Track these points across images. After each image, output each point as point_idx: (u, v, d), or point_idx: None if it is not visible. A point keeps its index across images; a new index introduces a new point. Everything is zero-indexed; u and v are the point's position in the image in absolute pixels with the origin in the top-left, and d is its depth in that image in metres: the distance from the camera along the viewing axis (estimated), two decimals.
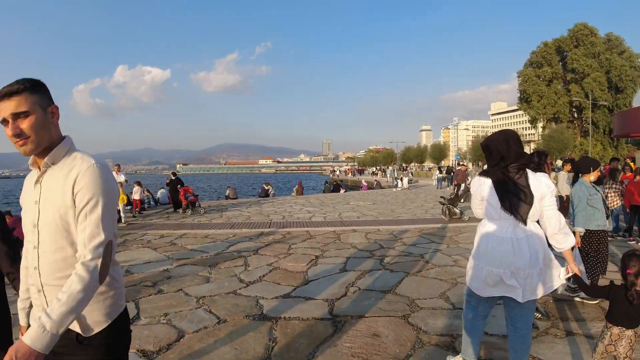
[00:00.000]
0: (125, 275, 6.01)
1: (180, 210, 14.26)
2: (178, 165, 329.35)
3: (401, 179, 27.01)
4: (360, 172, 73.24)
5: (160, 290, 5.27)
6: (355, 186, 36.46)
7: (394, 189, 26.53)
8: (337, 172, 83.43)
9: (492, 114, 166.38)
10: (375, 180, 33.66)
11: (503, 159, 2.66)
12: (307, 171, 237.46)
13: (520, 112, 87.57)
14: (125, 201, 11.65)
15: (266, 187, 22.15)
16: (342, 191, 25.25)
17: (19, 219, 8.58)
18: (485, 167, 3.75)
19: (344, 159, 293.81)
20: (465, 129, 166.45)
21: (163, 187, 19.24)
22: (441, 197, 13.28)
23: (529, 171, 2.65)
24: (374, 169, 77.23)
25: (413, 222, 11.49)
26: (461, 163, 32.97)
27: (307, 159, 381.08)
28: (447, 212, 11.93)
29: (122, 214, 11.51)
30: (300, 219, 12.24)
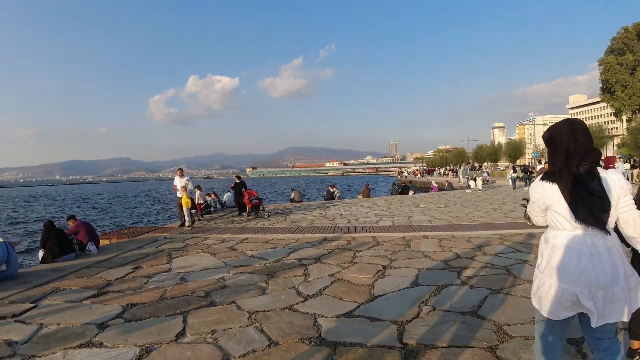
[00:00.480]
0: (179, 284, 5.71)
1: (245, 214, 14.12)
2: (247, 169, 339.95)
3: (474, 179, 25.43)
4: (430, 172, 70.95)
5: (212, 302, 4.86)
6: (424, 187, 35.05)
7: (467, 190, 25.02)
8: (405, 174, 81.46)
9: (571, 108, 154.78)
10: (447, 181, 32.08)
11: (570, 154, 2.18)
12: (373, 173, 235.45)
13: (603, 104, 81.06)
14: (190, 205, 11.60)
15: (331, 190, 21.67)
16: (410, 193, 24.19)
17: (83, 223, 8.67)
18: (540, 166, 2.90)
19: (411, 159, 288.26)
20: (543, 124, 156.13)
21: (229, 191, 19.37)
22: (523, 198, 12.01)
23: (599, 170, 2.19)
24: (444, 169, 74.52)
25: (492, 227, 10.42)
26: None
27: (374, 161, 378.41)
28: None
29: (186, 218, 11.48)
30: (367, 223, 11.57)
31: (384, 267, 6.33)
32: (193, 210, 13.06)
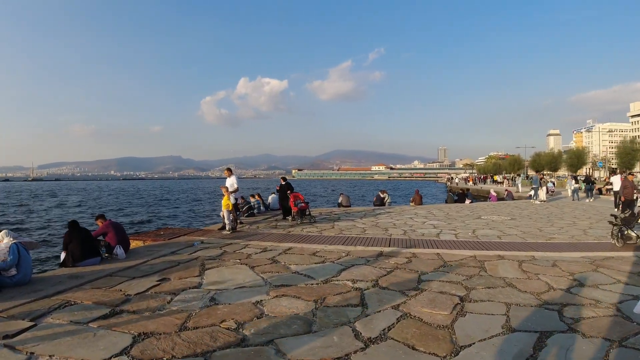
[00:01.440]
0: (208, 307, 4.66)
1: (289, 218, 13.08)
2: (293, 171, 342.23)
3: (541, 189, 23.26)
4: (484, 180, 67.68)
5: (244, 339, 3.75)
6: (481, 196, 32.92)
7: (534, 201, 22.90)
8: (457, 180, 78.32)
9: (632, 116, 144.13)
10: (506, 190, 29.80)
11: None
12: (421, 178, 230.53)
13: None
14: (231, 207, 10.67)
15: (382, 195, 20.30)
16: (467, 201, 22.39)
17: (112, 224, 7.85)
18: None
19: (461, 165, 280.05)
20: (608, 132, 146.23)
21: (274, 192, 18.46)
22: (611, 214, 10.24)
23: None
24: (499, 176, 70.84)
25: (575, 247, 8.80)
26: (629, 172, 27.62)
27: (421, 166, 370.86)
28: (620, 236, 9.03)
29: (226, 221, 10.55)
30: (426, 236, 10.20)
31: (462, 300, 5.01)
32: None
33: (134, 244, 9.60)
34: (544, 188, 23.88)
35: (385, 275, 6.18)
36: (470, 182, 65.28)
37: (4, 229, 5.91)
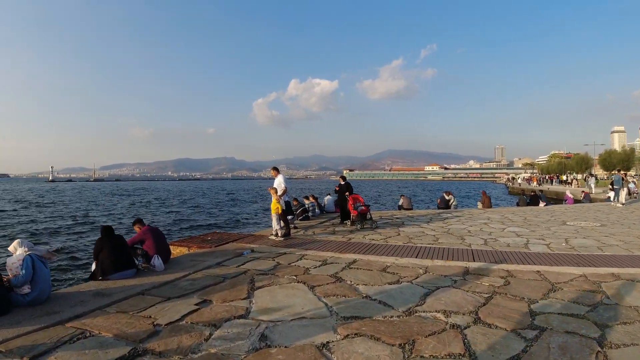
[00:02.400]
0: (257, 350, 3.44)
1: (348, 223, 11.78)
2: (344, 171, 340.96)
3: (622, 190, 20.60)
4: (550, 180, 63.26)
5: None
6: (549, 198, 30.10)
7: (615, 204, 20.33)
8: (519, 180, 73.87)
9: None
10: (583, 191, 27.00)
11: None
12: (477, 179, 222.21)
13: None
14: (280, 211, 9.53)
15: (447, 197, 18.52)
16: (541, 204, 20.11)
17: (151, 230, 6.83)
18: None
19: (520, 165, 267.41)
20: None
21: (329, 194, 17.22)
22: None
23: None
24: (565, 176, 66.02)
25: None
26: None
27: (477, 166, 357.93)
28: None
29: (275, 226, 9.41)
30: (512, 247, 8.57)
31: (600, 344, 3.52)
32: (290, 217, 11.02)
33: (177, 250, 8.66)
34: (625, 189, 21.16)
35: (484, 304, 4.72)
36: (534, 183, 61.28)
37: (18, 238, 5.00)
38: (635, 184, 28.37)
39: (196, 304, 4.63)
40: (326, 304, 4.65)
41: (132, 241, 6.63)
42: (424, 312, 4.44)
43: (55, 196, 58.73)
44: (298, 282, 5.58)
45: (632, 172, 69.43)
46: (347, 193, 12.13)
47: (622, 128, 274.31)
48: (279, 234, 9.28)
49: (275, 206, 9.53)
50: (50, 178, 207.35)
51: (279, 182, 10.31)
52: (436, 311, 4.46)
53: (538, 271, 6.41)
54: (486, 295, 5.09)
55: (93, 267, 5.94)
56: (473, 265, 6.80)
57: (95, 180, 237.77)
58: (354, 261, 6.94)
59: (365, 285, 5.47)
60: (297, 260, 6.98)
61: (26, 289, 4.55)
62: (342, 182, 12.49)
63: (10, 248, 4.86)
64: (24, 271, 4.52)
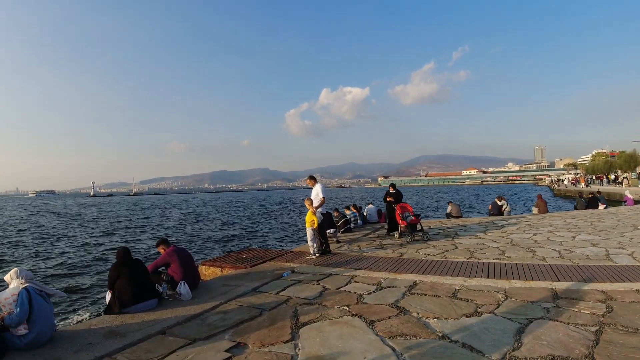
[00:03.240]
0: None
1: (396, 234, 10.63)
2: (379, 179, 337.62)
3: None
4: (600, 180, 59.58)
5: None
6: (609, 200, 27.79)
7: None
8: (566, 182, 70.11)
9: None
10: None
11: None
12: (518, 181, 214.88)
13: None
14: (316, 225, 8.49)
15: (499, 203, 16.98)
16: (601, 207, 18.30)
17: (177, 252, 5.90)
18: None
19: (562, 166, 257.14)
20: None
21: (371, 202, 16.08)
22: None
23: None
24: (612, 176, 62.05)
25: None
26: None
27: (516, 168, 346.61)
28: None
29: (309, 243, 8.44)
30: (593, 260, 7.22)
31: None
32: (331, 231, 9.91)
33: (210, 271, 7.77)
34: None
35: (595, 342, 3.59)
36: (582, 184, 57.97)
37: (15, 267, 4.15)
38: None
39: (227, 350, 3.64)
40: (394, 350, 3.55)
41: (155, 265, 5.76)
42: (525, 359, 3.29)
43: (94, 209, 59.76)
44: (352, 315, 4.51)
45: None
46: (389, 199, 10.99)
47: None
48: (313, 252, 8.31)
49: (310, 219, 8.49)
50: (92, 193, 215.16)
51: (316, 192, 9.19)
52: (541, 357, 3.30)
53: (638, 290, 5.16)
54: (593, 329, 3.94)
55: (107, 297, 5.06)
56: (559, 285, 5.56)
57: (135, 194, 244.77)
58: (415, 284, 5.80)
59: (437, 318, 4.34)
60: (347, 284, 5.91)
61: (22, 330, 3.71)
62: (393, 191, 11.28)
63: (6, 278, 4.04)
64: (18, 309, 3.67)
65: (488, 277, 6.08)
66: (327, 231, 9.18)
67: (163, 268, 5.85)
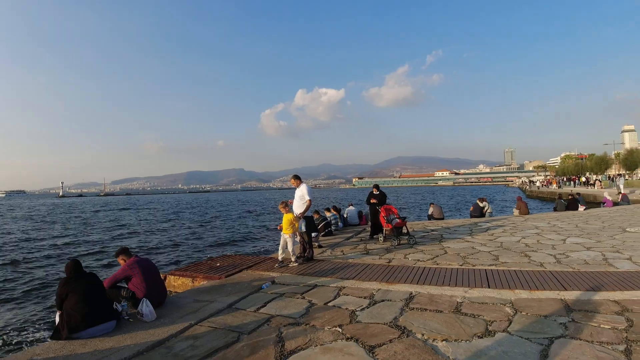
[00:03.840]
0: None
1: (380, 238, 10.04)
2: (354, 179, 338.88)
3: None
4: (573, 181, 60.84)
5: None
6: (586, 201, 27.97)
7: None
8: (538, 183, 71.35)
9: None
10: (620, 193, 24.96)
11: None
12: (489, 183, 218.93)
13: None
14: (293, 230, 7.70)
15: (481, 204, 16.63)
16: (581, 208, 18.21)
17: (139, 263, 5.07)
18: None
19: (531, 168, 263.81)
20: None
21: (352, 204, 15.49)
22: None
23: None
24: (583, 178, 63.48)
25: None
26: None
27: (487, 170, 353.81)
28: None
29: (289, 251, 7.64)
30: (592, 264, 6.85)
31: None
32: (315, 235, 9.18)
33: (179, 282, 7.01)
34: None
35: None
36: (554, 185, 59.06)
37: None
38: None
39: None
40: None
41: (113, 279, 4.97)
42: None
43: (58, 211, 56.93)
44: (347, 338, 3.84)
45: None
46: (373, 201, 10.40)
47: (632, 127, 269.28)
48: (294, 259, 7.62)
49: (288, 223, 7.69)
50: (61, 193, 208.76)
51: (301, 194, 8.25)
52: None
53: None
54: (621, 348, 3.51)
55: (56, 319, 4.27)
56: (567, 295, 5.07)
57: (106, 194, 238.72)
58: (411, 296, 5.19)
59: (446, 340, 3.73)
60: (335, 297, 5.24)
61: None
62: (376, 192, 10.65)
63: None
64: None
65: (489, 287, 5.53)
66: (311, 235, 8.44)
67: (123, 282, 5.06)
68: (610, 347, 3.49)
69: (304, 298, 5.25)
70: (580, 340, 3.67)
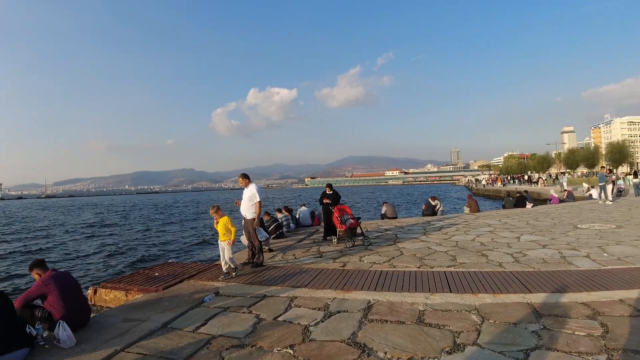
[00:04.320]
0: None
1: (334, 240, 9.60)
2: (307, 179, 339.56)
3: (608, 187, 19.45)
4: (518, 180, 63.55)
5: None
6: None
7: (602, 201, 19.16)
8: (484, 182, 73.98)
9: None
10: (566, 190, 25.94)
11: None
12: (437, 182, 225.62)
13: None
14: (233, 237, 6.87)
15: (433, 203, 16.57)
16: (529, 205, 18.64)
17: (55, 278, 4.26)
18: None
19: (476, 167, 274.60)
20: (636, 124, 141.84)
21: (304, 204, 14.98)
22: None
23: None
24: (526, 176, 66.40)
25: None
26: None
27: (435, 169, 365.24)
28: None
29: (226, 260, 6.74)
30: (551, 263, 6.74)
31: None
32: (263, 239, 8.46)
33: (111, 296, 6.24)
34: (610, 185, 20.03)
35: None
36: (499, 184, 61.31)
37: None
38: (623, 181, 27.74)
39: None
40: None
41: (25, 298, 4.18)
42: None
43: None
44: None
45: (595, 169, 70.87)
46: (326, 201, 9.94)
47: (571, 128, 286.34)
48: (226, 270, 6.76)
49: (224, 228, 6.84)
50: (0, 195, 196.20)
51: (250, 194, 7.52)
52: None
53: (621, 300, 4.66)
54: (602, 358, 3.18)
55: None
56: (533, 299, 4.82)
57: (47, 196, 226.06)
58: (370, 305, 4.74)
59: (412, 359, 3.30)
60: (286, 310, 4.69)
61: None
62: (329, 192, 10.16)
63: None
64: None
65: (451, 292, 5.19)
66: (259, 238, 7.81)
67: (38, 301, 4.29)
68: (591, 359, 3.19)
69: (251, 312, 4.67)
70: (558, 351, 3.36)
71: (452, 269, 6.55)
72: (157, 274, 7.01)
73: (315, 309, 4.70)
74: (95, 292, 6.65)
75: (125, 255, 16.75)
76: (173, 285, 6.12)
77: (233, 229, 6.87)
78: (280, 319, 4.40)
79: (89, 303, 6.66)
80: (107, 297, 6.39)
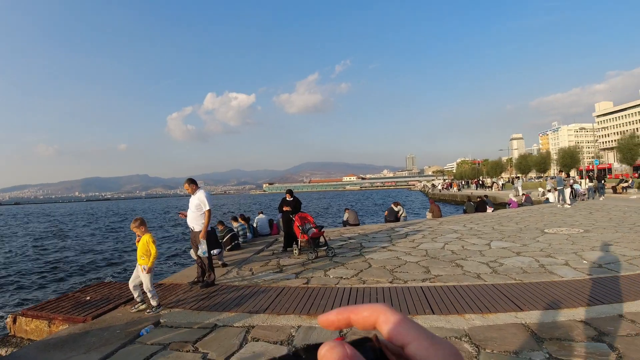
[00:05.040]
0: None
1: (295, 250, 8.79)
2: (264, 185, 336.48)
3: (566, 191, 19.69)
4: (475, 184, 65.08)
5: None
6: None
7: (561, 205, 19.37)
8: (439, 187, 75.22)
9: (598, 115, 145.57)
10: (524, 194, 26.32)
11: None
12: (393, 187, 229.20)
13: (632, 110, 75.81)
14: (151, 263, 5.23)
15: (395, 208, 16.07)
16: (489, 210, 18.55)
17: None
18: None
19: (430, 172, 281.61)
20: (582, 130, 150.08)
21: (262, 212, 14.07)
22: None
23: None
24: (479, 180, 68.05)
25: None
26: None
27: (391, 175, 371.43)
28: None
29: (144, 286, 5.26)
30: (529, 272, 6.37)
31: None
32: (216, 252, 7.41)
33: (32, 327, 5.18)
34: (568, 189, 20.34)
35: None
36: (455, 188, 62.39)
37: None
38: (580, 185, 28.45)
39: None
40: None
41: None
42: None
43: None
44: None
45: (547, 174, 73.56)
46: (286, 208, 9.14)
47: (520, 135, 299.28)
48: (138, 306, 5.34)
49: (143, 249, 5.27)
50: None
51: (198, 202, 6.57)
52: None
53: (620, 315, 4.13)
54: None
55: None
56: (526, 318, 4.26)
57: None
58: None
59: None
60: (241, 346, 3.83)
61: None
62: (290, 198, 9.32)
63: None
64: None
65: (434, 313, 4.52)
66: (212, 252, 6.86)
67: None
68: None
69: (197, 350, 3.77)
70: None
71: (427, 283, 5.91)
72: (88, 297, 5.94)
73: (276, 342, 3.87)
74: (14, 320, 5.54)
75: (59, 272, 14.08)
76: (104, 313, 5.11)
77: (153, 252, 5.23)
78: (233, 359, 3.55)
79: (9, 334, 5.57)
80: (28, 328, 5.30)
